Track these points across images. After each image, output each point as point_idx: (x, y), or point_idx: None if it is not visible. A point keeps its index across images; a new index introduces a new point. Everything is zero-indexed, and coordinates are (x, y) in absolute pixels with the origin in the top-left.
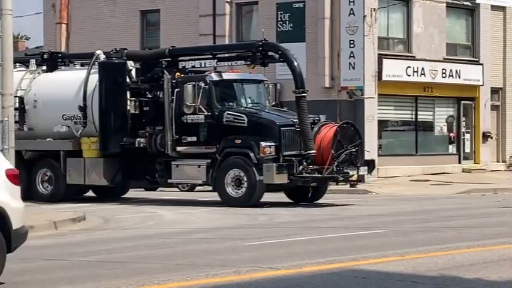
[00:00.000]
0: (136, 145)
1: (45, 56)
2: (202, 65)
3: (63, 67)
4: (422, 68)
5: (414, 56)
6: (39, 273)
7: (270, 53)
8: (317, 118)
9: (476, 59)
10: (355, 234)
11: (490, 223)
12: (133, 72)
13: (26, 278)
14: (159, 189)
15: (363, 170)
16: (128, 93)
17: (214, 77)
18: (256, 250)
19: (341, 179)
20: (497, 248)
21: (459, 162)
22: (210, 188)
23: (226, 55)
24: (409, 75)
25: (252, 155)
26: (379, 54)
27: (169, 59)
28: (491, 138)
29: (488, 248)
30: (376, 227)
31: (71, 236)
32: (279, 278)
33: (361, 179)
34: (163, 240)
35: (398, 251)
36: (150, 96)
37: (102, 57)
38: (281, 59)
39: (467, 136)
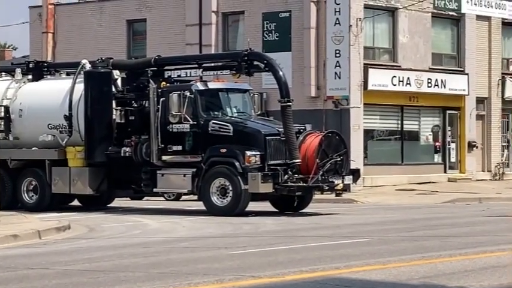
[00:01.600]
0: (122, 154)
1: (30, 65)
2: (188, 75)
3: (49, 76)
4: (408, 78)
5: (400, 66)
6: (22, 281)
7: (256, 63)
8: (303, 127)
9: (462, 69)
10: (339, 243)
11: (474, 232)
12: (119, 82)
13: (9, 287)
14: (145, 198)
15: (348, 179)
16: (114, 102)
17: (200, 86)
18: (240, 259)
19: (326, 188)
20: (479, 257)
21: (445, 172)
22: (196, 197)
23: (212, 64)
24: (394, 85)
25: (237, 164)
26: (364, 63)
27: (155, 69)
28: (477, 147)
29: (471, 257)
30: (360, 236)
31: (55, 245)
32: (261, 286)
33: (346, 188)
34: (147, 249)
35: (381, 259)
36: (135, 105)
37: (88, 66)
38: (266, 69)
39: (453, 145)
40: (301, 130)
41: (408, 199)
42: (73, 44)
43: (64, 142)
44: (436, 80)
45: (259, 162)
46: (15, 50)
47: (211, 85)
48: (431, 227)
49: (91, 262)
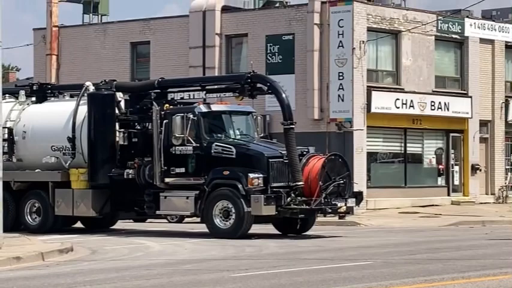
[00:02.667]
0: (125, 176)
1: (34, 87)
2: (191, 97)
3: (52, 98)
4: (411, 101)
5: (403, 89)
6: None
7: (259, 85)
8: (306, 150)
9: (465, 92)
10: (342, 266)
11: (476, 255)
12: (122, 104)
13: None
14: (148, 220)
15: (351, 201)
16: (117, 124)
17: (203, 108)
18: (242, 281)
19: (329, 210)
20: (481, 280)
21: (448, 195)
22: (199, 219)
23: (215, 87)
24: (398, 108)
25: (240, 186)
26: (368, 86)
27: (158, 91)
28: (480, 170)
29: (473, 280)
30: (362, 259)
31: (57, 267)
32: None
33: (349, 211)
34: (149, 272)
35: (383, 282)
36: (138, 127)
37: (91, 88)
38: (269, 91)
39: (456, 168)
40: (304, 152)
41: (411, 222)
42: (77, 66)
43: (67, 164)
44: (440, 102)
45: (262, 185)
46: (18, 71)
47: (215, 107)
48: (434, 250)
49: (93, 284)
